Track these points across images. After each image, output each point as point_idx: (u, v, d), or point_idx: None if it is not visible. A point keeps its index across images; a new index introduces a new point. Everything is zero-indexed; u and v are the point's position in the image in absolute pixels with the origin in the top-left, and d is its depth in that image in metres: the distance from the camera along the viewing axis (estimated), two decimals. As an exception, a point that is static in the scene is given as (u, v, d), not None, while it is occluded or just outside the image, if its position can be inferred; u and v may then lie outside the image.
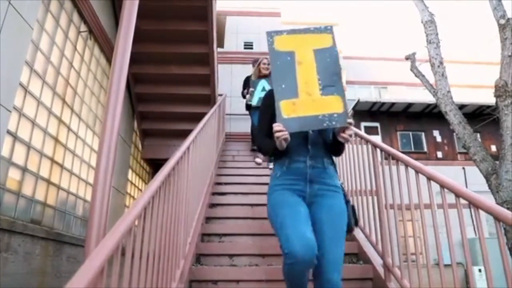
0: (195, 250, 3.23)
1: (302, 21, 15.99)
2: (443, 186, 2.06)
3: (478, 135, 11.17)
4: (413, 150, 13.28)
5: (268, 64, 5.61)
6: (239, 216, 4.19)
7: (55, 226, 4.02)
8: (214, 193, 4.67)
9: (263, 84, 5.83)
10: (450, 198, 2.02)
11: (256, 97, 5.77)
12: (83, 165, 4.70)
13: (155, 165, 7.53)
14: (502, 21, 7.06)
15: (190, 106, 6.34)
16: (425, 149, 13.43)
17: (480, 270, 9.92)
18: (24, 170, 3.45)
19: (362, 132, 3.47)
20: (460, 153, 13.14)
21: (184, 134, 6.64)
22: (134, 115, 6.35)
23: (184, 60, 5.72)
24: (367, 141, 3.23)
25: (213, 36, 5.63)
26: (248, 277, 3.00)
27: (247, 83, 6.34)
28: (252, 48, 11.07)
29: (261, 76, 5.88)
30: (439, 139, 13.52)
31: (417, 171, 2.34)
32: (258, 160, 6.00)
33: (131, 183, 6.55)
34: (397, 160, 2.63)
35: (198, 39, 5.53)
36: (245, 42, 11.09)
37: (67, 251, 4.12)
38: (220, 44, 8.02)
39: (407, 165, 2.47)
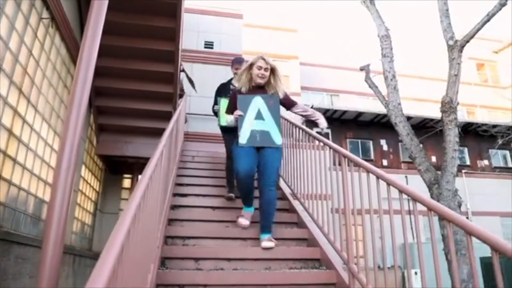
0: (160, 253, 3.17)
1: (264, 25, 16.13)
2: (415, 199, 2.18)
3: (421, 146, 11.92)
4: (361, 157, 13.82)
5: (266, 70, 3.48)
6: (202, 218, 4.15)
7: (3, 225, 3.76)
8: (175, 194, 4.60)
9: (258, 104, 3.51)
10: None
11: (247, 130, 3.44)
12: (36, 159, 4.44)
13: (109, 161, 7.26)
14: (451, 42, 7.54)
15: (151, 104, 6.19)
16: (372, 157, 14.04)
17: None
18: (-26, 163, 3.21)
19: (329, 142, 3.58)
20: (404, 162, 13.88)
21: (142, 131, 6.56)
22: (91, 109, 6.08)
23: (149, 56, 5.56)
24: (336, 151, 3.32)
25: (180, 34, 5.54)
26: (215, 281, 2.99)
27: (222, 94, 4.65)
28: (212, 48, 11.00)
29: (254, 88, 3.55)
30: (385, 148, 14.20)
31: (389, 184, 2.46)
32: (244, 222, 3.77)
33: (84, 179, 6.27)
34: (368, 171, 2.75)
35: (165, 36, 5.40)
36: (205, 41, 11.00)
37: (16, 251, 3.87)
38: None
39: (378, 177, 2.58)
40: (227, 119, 3.73)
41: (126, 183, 8.19)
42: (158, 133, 6.65)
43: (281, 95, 3.64)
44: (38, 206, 4.52)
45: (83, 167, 6.14)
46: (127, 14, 5.05)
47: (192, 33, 10.62)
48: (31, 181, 4.34)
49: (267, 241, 3.40)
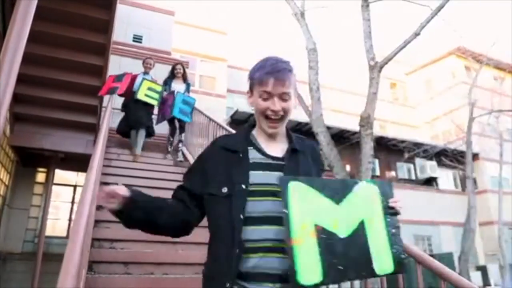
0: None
1: (194, 24, 15.99)
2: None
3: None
4: (282, 163, 14.32)
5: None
6: (129, 220, 4.04)
7: None
8: (100, 194, 4.40)
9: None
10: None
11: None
12: None
13: (23, 154, 6.69)
14: (372, 63, 8.17)
15: (75, 96, 5.83)
16: (292, 163, 14.60)
17: None
18: None
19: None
20: (321, 169, 14.67)
21: (63, 124, 6.17)
22: (6, 97, 5.55)
23: (78, 46, 5.23)
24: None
25: (113, 27, 5.32)
26: (146, 286, 2.95)
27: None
28: (141, 42, 10.67)
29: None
30: (305, 155, 14.87)
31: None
32: None
33: (-8, 172, 5.72)
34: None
35: (97, 28, 5.13)
36: (134, 35, 10.64)
37: None
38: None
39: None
40: None
41: (40, 177, 7.60)
42: (80, 126, 6.39)
43: None
44: None
45: (-7, 158, 5.62)
46: (60, 1, 4.74)
47: (121, 24, 10.19)
48: None
49: None
